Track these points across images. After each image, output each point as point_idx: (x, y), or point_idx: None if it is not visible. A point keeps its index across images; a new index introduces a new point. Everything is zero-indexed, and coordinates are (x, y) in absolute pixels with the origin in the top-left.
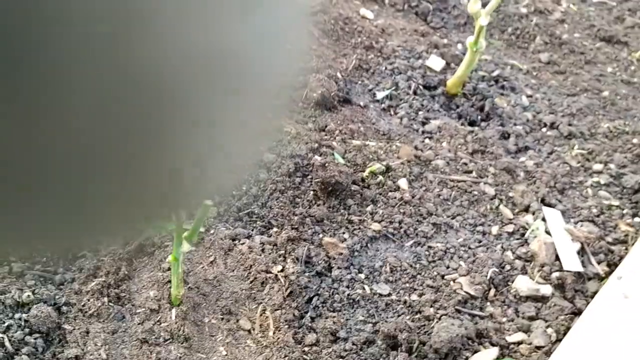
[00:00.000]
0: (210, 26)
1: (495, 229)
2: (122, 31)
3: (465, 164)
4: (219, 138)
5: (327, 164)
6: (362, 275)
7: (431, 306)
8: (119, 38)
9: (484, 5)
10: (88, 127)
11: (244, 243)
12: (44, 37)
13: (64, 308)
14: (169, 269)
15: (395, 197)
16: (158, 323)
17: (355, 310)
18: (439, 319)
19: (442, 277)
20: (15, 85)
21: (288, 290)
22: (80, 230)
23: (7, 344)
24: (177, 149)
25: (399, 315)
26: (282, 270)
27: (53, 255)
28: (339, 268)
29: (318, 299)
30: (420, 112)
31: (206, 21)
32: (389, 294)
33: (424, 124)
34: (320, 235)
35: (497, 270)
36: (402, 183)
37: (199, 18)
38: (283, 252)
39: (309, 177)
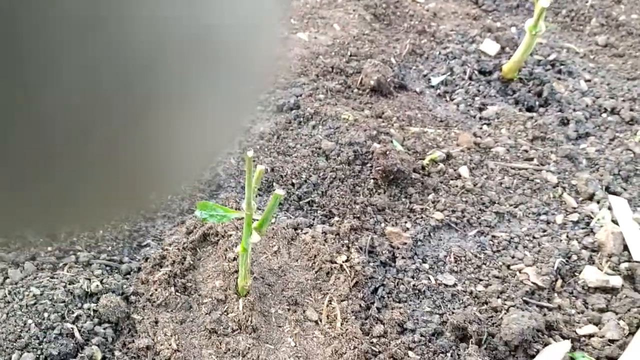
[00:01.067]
0: (188, 4)
1: (559, 218)
2: (101, 12)
3: (526, 151)
4: (196, 118)
5: (388, 152)
6: (427, 265)
7: (498, 297)
8: (98, 18)
9: None
10: (65, 109)
11: (306, 232)
12: (22, 21)
13: (132, 298)
14: (234, 258)
15: (456, 186)
16: (225, 313)
17: (421, 301)
18: (507, 310)
19: (508, 267)
20: None
21: (354, 281)
22: (64, 213)
23: (77, 334)
24: (156, 129)
25: (465, 307)
26: (347, 260)
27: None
28: (403, 258)
29: (383, 290)
30: (476, 98)
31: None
32: (455, 285)
33: (481, 110)
34: (383, 225)
35: (563, 260)
36: (463, 171)
37: None
38: (347, 241)
39: (369, 165)
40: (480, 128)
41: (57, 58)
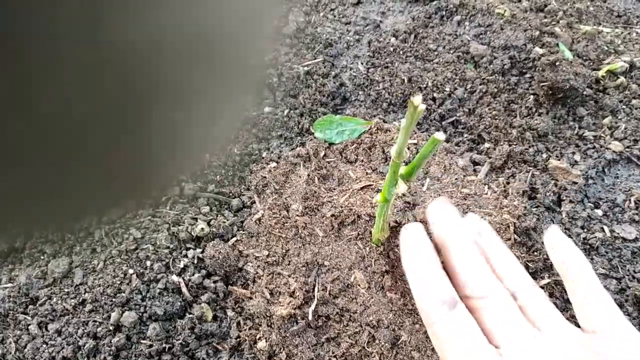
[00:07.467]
0: (188, 4)
1: None
2: (101, 10)
3: None
4: (195, 117)
5: (557, 63)
6: (599, 212)
7: None
8: (98, 17)
9: None
10: (65, 107)
11: (451, 163)
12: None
13: (242, 246)
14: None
15: None
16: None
17: (592, 260)
18: None
19: None
20: None
21: (514, 233)
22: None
23: (184, 289)
24: (155, 127)
25: None
26: (505, 206)
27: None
28: (570, 201)
29: None
30: None
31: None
32: (636, 239)
33: None
34: (545, 156)
35: None
36: None
37: None
38: (502, 178)
39: (528, 75)
40: None
41: (47, 61)
